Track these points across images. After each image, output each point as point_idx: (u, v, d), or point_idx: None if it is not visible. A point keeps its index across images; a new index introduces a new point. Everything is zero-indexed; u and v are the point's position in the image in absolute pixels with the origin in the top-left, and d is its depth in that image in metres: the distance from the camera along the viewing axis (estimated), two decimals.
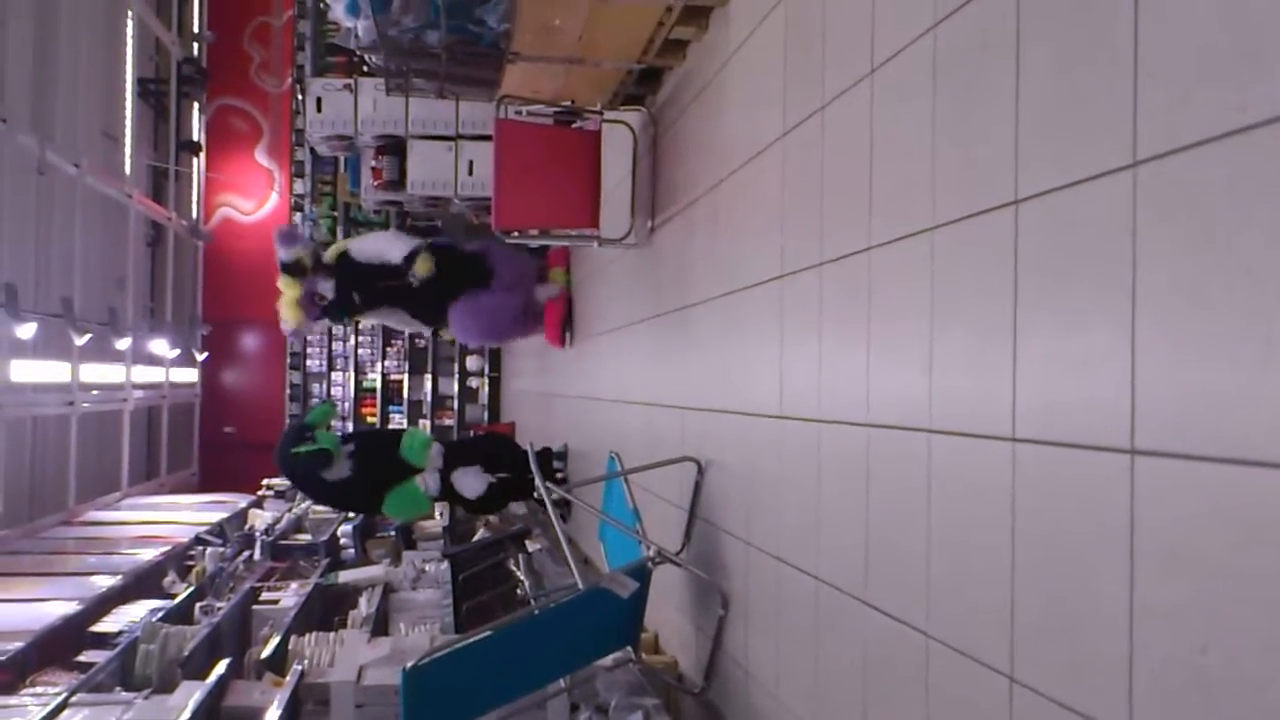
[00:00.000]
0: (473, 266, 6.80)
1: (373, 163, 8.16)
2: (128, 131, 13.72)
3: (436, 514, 8.01)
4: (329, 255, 6.79)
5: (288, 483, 8.55)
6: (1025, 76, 1.82)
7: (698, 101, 4.07)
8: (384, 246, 6.78)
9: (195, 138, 15.95)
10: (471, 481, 6.21)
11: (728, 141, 3.65)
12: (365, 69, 7.78)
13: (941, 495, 2.09)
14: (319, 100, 8.06)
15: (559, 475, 6.75)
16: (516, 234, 5.17)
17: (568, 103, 5.25)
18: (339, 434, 6.48)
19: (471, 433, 12.81)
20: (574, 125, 5.64)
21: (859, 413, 2.48)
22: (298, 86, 13.04)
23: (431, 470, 6.17)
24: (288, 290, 6.68)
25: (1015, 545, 1.82)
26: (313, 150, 11.03)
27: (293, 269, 6.60)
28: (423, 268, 6.58)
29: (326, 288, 6.67)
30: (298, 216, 14.13)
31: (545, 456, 6.79)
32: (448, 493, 6.28)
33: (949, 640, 2.04)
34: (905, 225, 2.25)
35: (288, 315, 6.77)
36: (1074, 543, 1.67)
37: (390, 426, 14.75)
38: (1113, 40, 1.59)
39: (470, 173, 7.79)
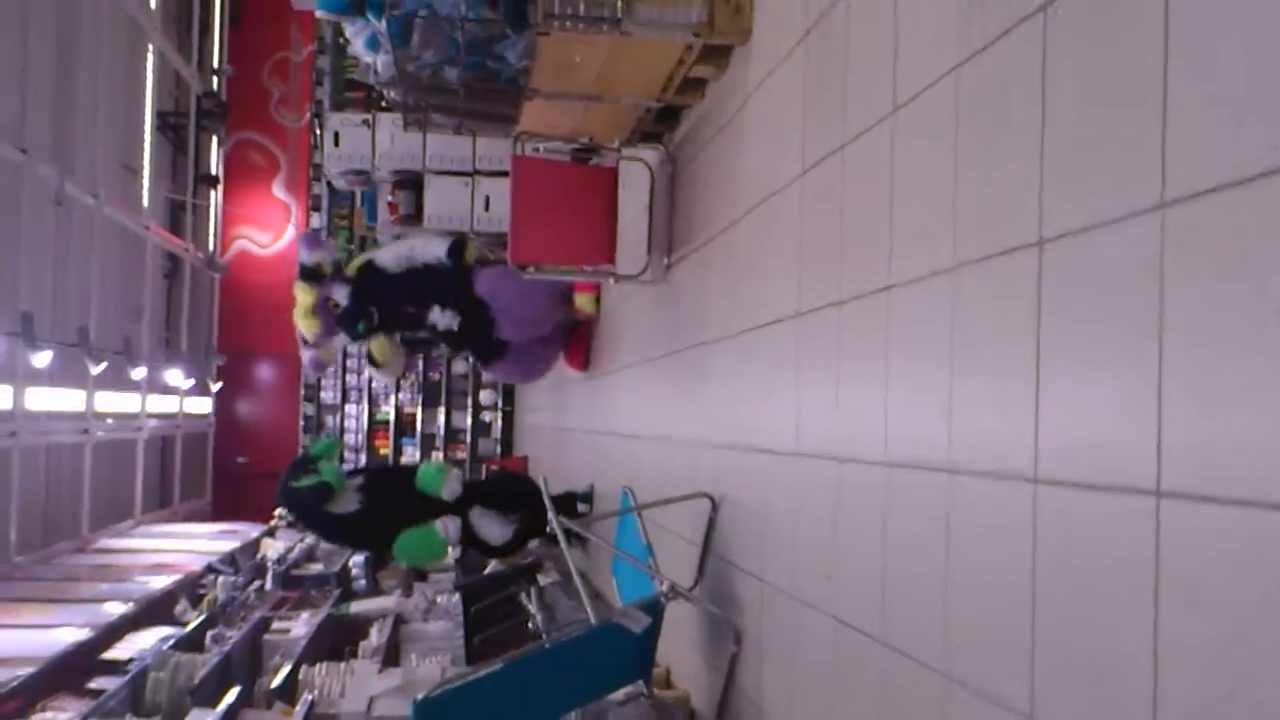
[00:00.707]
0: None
1: (389, 197, 8.21)
2: (146, 164, 13.83)
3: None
4: (351, 267, 6.55)
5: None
6: (1050, 116, 1.83)
7: (716, 140, 4.10)
8: (417, 247, 6.52)
9: (213, 171, 16.08)
10: (493, 526, 5.92)
11: (746, 179, 3.68)
12: (384, 104, 7.84)
13: (961, 535, 2.08)
14: (337, 135, 8.11)
15: (581, 513, 6.39)
16: (533, 269, 5.19)
17: (585, 139, 5.29)
18: (347, 468, 6.21)
19: (484, 468, 12.79)
20: (591, 162, 5.68)
21: (877, 451, 2.48)
22: (316, 121, 13.15)
23: (450, 492, 5.86)
24: (302, 296, 6.38)
25: (1036, 587, 1.81)
26: (330, 184, 11.10)
27: (311, 274, 6.36)
28: (473, 253, 6.45)
29: (341, 293, 6.36)
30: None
31: (567, 501, 6.37)
32: (466, 537, 5.93)
33: (968, 681, 2.03)
34: (926, 265, 2.26)
35: (303, 324, 6.42)
36: (1097, 585, 1.67)
37: (403, 462, 14.75)
38: (1141, 79, 1.60)
39: (486, 208, 7.83)
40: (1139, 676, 1.55)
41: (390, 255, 6.56)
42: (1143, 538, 1.55)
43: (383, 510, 5.82)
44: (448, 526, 5.79)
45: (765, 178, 3.41)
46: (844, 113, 2.76)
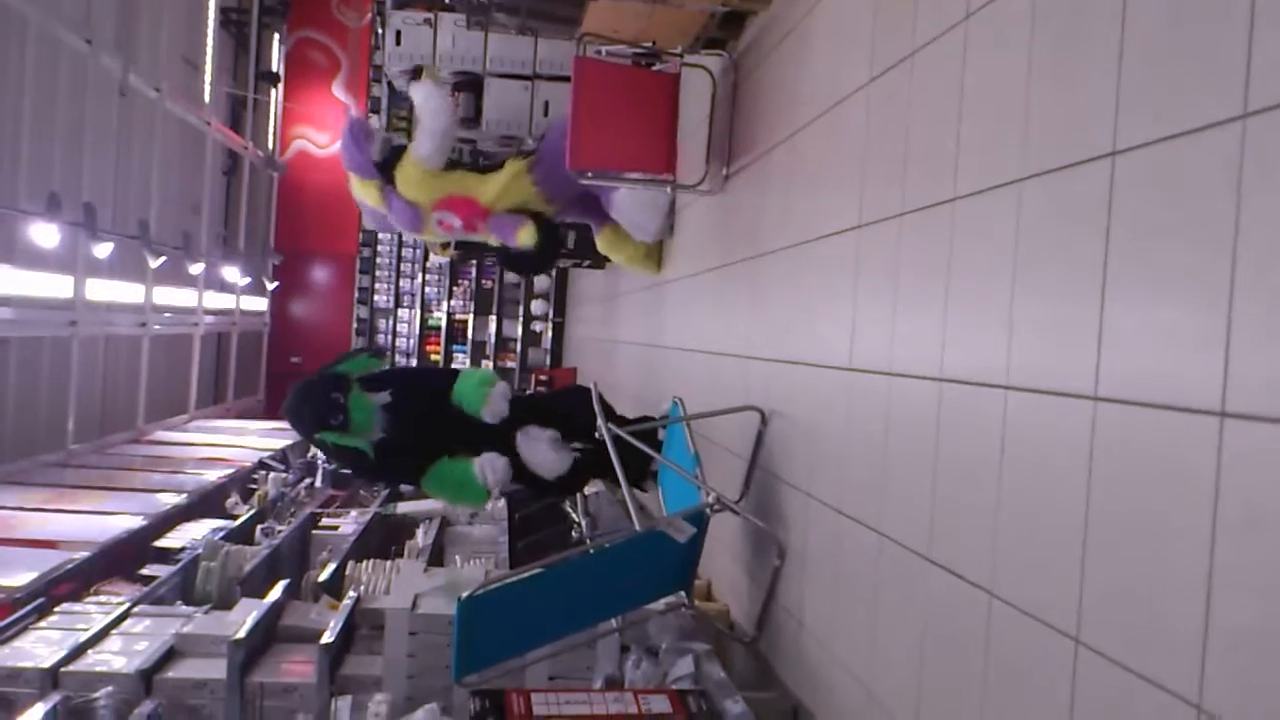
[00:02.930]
0: None
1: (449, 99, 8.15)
2: (208, 59, 13.84)
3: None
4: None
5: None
6: (1131, 21, 1.75)
7: (781, 46, 4.01)
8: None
9: (274, 69, 16.06)
10: (547, 454, 4.68)
11: (810, 88, 3.59)
12: (446, 3, 7.76)
13: (1015, 453, 2.04)
14: (398, 34, 8.05)
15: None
16: (590, 174, 5.13)
17: (648, 44, 5.19)
18: (374, 376, 4.77)
19: (534, 378, 12.80)
20: (654, 68, 5.58)
21: (932, 367, 2.44)
22: (378, 20, 13.07)
23: (492, 413, 4.65)
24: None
25: (1090, 506, 1.77)
26: (389, 84, 11.05)
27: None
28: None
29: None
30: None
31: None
32: (515, 469, 4.71)
33: (1014, 600, 2.01)
34: (993, 176, 2.19)
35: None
36: (1152, 507, 1.63)
37: (445, 365, 14.77)
38: None
39: (545, 113, 7.76)
40: (1191, 599, 1.51)
41: None
42: (1203, 459, 1.51)
43: (411, 436, 4.62)
44: (487, 469, 4.56)
45: (830, 86, 3.32)
46: (914, 18, 2.67)
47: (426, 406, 4.68)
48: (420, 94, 5.79)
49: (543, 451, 4.67)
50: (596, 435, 4.00)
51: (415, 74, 5.90)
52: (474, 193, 5.91)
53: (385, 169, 5.94)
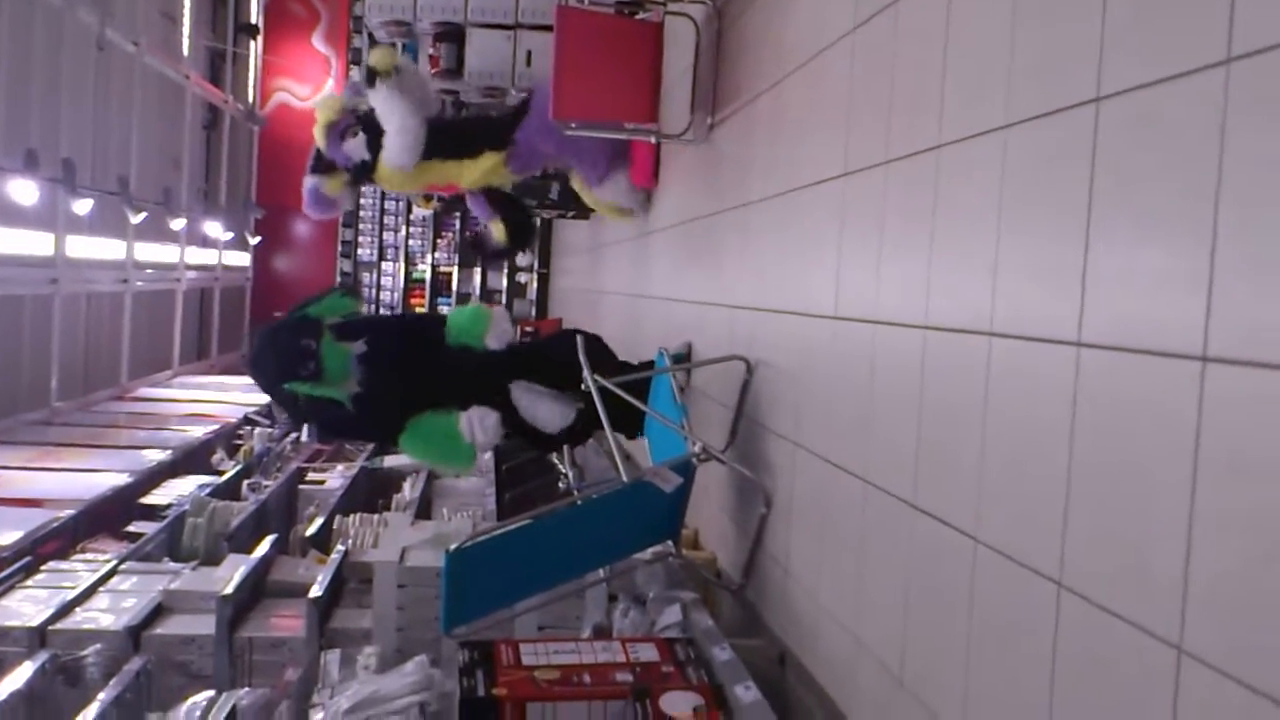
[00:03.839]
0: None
1: (430, 50, 8.07)
2: (186, 12, 13.68)
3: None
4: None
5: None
6: None
7: None
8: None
9: (253, 21, 15.89)
10: (550, 407, 4.37)
11: (795, 36, 3.56)
12: None
13: (999, 399, 2.05)
14: None
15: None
16: (574, 125, 5.09)
17: None
18: (348, 324, 4.24)
19: (519, 330, 12.74)
20: (636, 16, 5.53)
21: (917, 314, 2.44)
22: None
23: (498, 337, 4.39)
24: (324, 113, 5.84)
25: (1073, 451, 1.78)
26: (370, 36, 10.94)
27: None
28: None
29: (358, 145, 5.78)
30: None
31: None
32: (511, 424, 4.37)
33: (997, 545, 2.02)
34: (978, 123, 2.18)
35: (319, 128, 5.82)
36: (1135, 452, 1.63)
37: (426, 310, 14.72)
38: None
39: (528, 64, 7.69)
40: (1172, 541, 1.52)
41: None
42: (1185, 404, 1.51)
43: (390, 389, 4.17)
44: (475, 425, 4.17)
45: (815, 33, 3.30)
46: None
47: (407, 355, 4.27)
48: (379, 100, 5.62)
49: (546, 406, 4.37)
50: (583, 388, 3.98)
51: (369, 78, 5.64)
52: (454, 179, 6.07)
53: (362, 180, 6.05)
